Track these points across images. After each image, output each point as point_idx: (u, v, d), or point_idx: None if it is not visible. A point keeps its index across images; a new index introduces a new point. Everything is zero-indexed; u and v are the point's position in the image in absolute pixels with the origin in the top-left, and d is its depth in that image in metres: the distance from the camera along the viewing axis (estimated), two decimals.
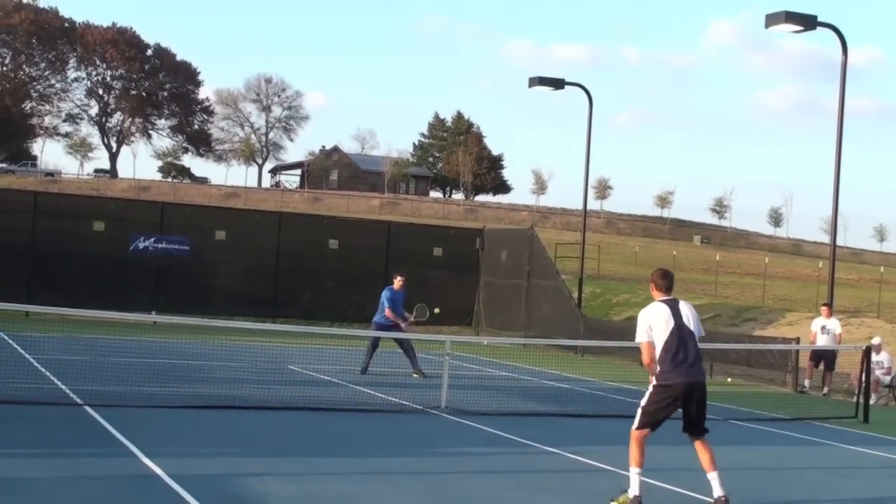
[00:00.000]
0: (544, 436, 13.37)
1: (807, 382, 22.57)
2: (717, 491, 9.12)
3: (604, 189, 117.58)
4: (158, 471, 9.55)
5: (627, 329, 30.14)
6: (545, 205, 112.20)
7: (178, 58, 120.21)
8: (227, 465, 10.13)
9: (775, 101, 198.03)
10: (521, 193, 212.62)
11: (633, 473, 9.27)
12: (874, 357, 20.02)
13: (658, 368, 9.25)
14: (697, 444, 9.41)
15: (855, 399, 18.52)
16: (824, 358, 22.26)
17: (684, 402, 9.27)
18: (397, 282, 20.39)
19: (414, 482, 10.03)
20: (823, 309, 23.37)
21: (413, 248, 33.79)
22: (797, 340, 23.51)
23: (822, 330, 22.81)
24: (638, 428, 9.38)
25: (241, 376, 18.20)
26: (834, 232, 26.22)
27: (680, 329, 9.22)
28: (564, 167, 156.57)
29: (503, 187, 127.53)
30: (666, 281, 9.55)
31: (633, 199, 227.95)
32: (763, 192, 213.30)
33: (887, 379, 21.33)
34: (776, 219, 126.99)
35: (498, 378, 21.60)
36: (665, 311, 9.31)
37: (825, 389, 22.10)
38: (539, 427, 14.36)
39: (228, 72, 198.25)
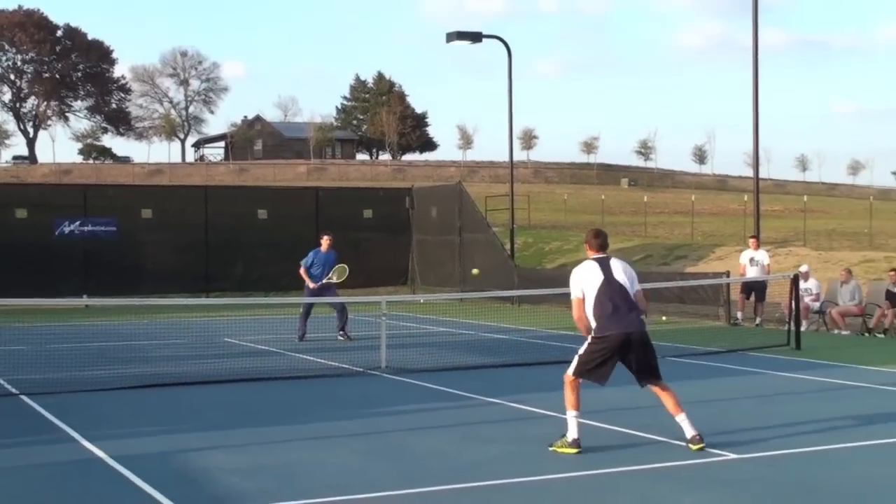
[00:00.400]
0: (485, 387, 13.47)
1: (739, 314, 22.96)
2: (690, 431, 9.30)
3: (529, 139, 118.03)
4: (100, 453, 9.46)
5: (561, 276, 30.33)
6: (472, 159, 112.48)
7: (90, 37, 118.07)
8: (170, 442, 10.07)
9: (692, 40, 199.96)
10: (447, 150, 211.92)
11: (570, 417, 9.40)
12: (803, 284, 20.41)
13: (594, 324, 9.41)
14: (657, 391, 9.54)
15: (786, 327, 18.88)
16: (754, 289, 22.64)
17: (622, 353, 9.37)
18: (324, 242, 20.12)
19: (359, 443, 10.04)
20: (751, 241, 23.75)
21: (343, 212, 33.62)
22: (727, 274, 23.88)
23: (751, 262, 23.19)
24: (572, 374, 9.51)
25: (178, 353, 18.04)
26: (756, 165, 26.61)
27: (609, 283, 9.39)
28: (489, 120, 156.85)
29: (429, 145, 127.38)
30: (598, 240, 9.75)
31: (560, 147, 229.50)
32: (687, 132, 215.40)
33: (817, 305, 21.76)
34: (700, 156, 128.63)
35: (436, 334, 21.67)
36: (595, 267, 9.53)
37: (757, 320, 22.49)
38: (479, 379, 14.46)
39: (143, 48, 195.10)
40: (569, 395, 9.47)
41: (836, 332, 20.94)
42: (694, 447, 9.24)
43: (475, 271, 11.60)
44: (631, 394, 10.52)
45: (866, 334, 20.54)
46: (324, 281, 19.68)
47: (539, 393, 13.01)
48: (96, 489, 8.26)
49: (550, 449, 9.39)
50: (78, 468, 9.01)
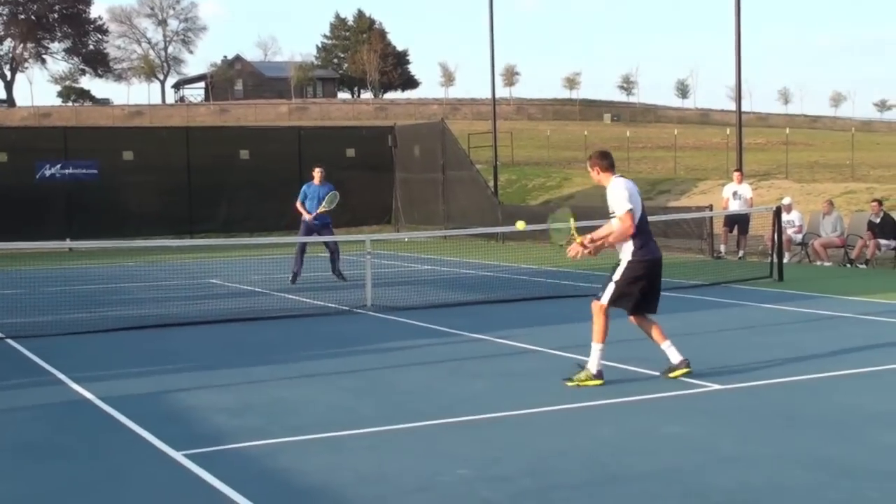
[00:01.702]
0: (471, 324, 13.54)
1: (722, 248, 23.07)
2: (677, 357, 9.46)
3: (511, 76, 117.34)
4: (89, 395, 9.50)
5: (545, 213, 30.37)
6: (455, 97, 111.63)
7: None
8: (158, 382, 10.10)
9: None
10: (429, 87, 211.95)
11: (596, 349, 9.30)
12: (785, 217, 20.49)
13: (637, 245, 9.29)
14: (642, 321, 9.58)
15: (769, 259, 18.99)
16: (737, 222, 22.72)
17: (652, 278, 9.38)
18: (316, 174, 19.66)
19: (347, 381, 10.10)
20: (736, 175, 23.76)
21: (325, 151, 33.37)
22: (710, 208, 23.96)
23: (734, 195, 23.24)
24: (609, 303, 9.32)
25: (164, 295, 18.04)
26: (738, 99, 26.57)
27: (643, 206, 9.47)
28: (471, 58, 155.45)
29: (411, 83, 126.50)
30: (610, 159, 9.69)
31: (542, 83, 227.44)
32: (669, 66, 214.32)
33: (799, 237, 21.87)
34: (683, 91, 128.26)
35: (420, 272, 21.72)
36: (634, 186, 9.48)
37: (740, 253, 22.60)
38: (465, 316, 14.52)
39: None
40: (599, 326, 9.28)
41: (818, 263, 21.07)
42: (680, 371, 9.40)
43: (520, 224, 11.15)
44: (617, 328, 10.56)
45: (848, 265, 20.67)
46: (318, 211, 19.22)
47: (524, 328, 13.11)
48: (86, 430, 8.29)
49: (570, 384, 9.33)
50: (67, 410, 9.04)
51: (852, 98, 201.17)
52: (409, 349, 11.89)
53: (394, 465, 7.04)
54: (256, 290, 18.34)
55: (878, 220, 20.49)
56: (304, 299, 16.83)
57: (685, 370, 9.40)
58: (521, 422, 8.30)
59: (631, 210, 9.21)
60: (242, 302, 16.39)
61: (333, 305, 15.86)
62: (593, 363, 9.31)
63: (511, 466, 6.95)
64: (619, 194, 9.25)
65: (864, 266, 20.38)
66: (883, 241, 20.30)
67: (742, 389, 9.28)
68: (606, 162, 9.57)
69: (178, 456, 7.32)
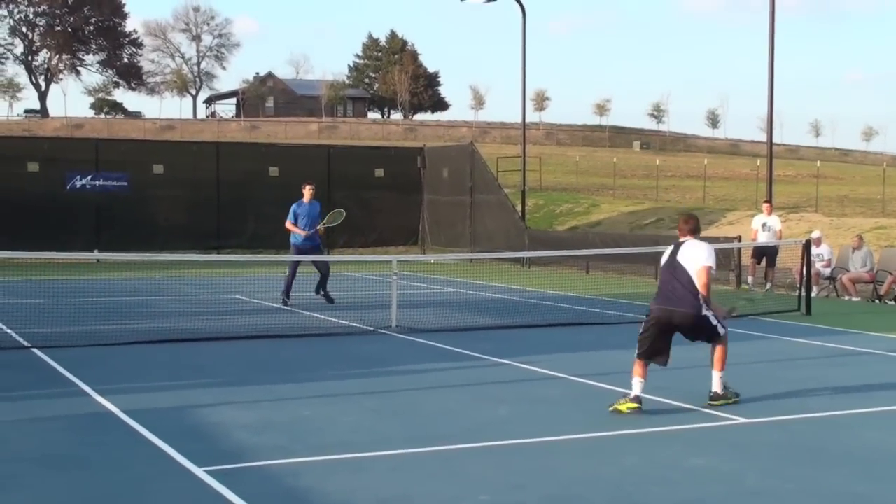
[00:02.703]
0: (495, 348, 13.50)
1: (750, 279, 22.93)
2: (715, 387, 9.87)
3: (542, 100, 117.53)
4: (112, 408, 9.52)
5: (571, 239, 30.46)
6: (484, 120, 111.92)
7: None
8: (182, 397, 10.12)
9: (705, 1, 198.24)
10: (459, 110, 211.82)
11: (636, 382, 9.56)
12: (814, 250, 20.37)
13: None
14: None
15: (797, 293, 18.86)
16: (766, 254, 22.58)
17: (669, 328, 9.70)
18: (307, 191, 19.03)
19: (370, 401, 10.09)
20: (765, 206, 23.63)
21: (354, 170, 33.64)
22: (739, 239, 23.83)
23: (763, 227, 23.11)
24: (636, 356, 9.69)
25: (189, 309, 18.10)
26: (770, 129, 26.45)
27: (671, 265, 9.83)
28: (501, 81, 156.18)
29: (441, 104, 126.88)
30: (687, 225, 10.08)
31: (572, 109, 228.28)
32: (699, 95, 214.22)
33: (827, 271, 21.72)
34: (713, 120, 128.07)
35: (446, 294, 21.70)
36: (668, 250, 10.04)
37: (768, 285, 22.46)
38: (489, 340, 14.49)
39: (155, 2, 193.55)
40: (635, 369, 9.63)
41: (846, 298, 20.91)
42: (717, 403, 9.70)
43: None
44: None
45: (877, 301, 20.51)
46: (318, 228, 18.93)
47: (548, 354, 13.06)
48: (109, 443, 8.31)
49: (610, 409, 9.43)
50: (91, 422, 9.07)
51: (884, 132, 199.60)
52: (433, 371, 11.86)
53: (415, 489, 7.02)
54: (281, 307, 18.35)
55: None
56: (329, 318, 16.84)
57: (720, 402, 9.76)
58: (545, 449, 8.26)
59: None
60: (267, 319, 16.44)
61: (358, 325, 15.86)
62: (634, 390, 9.59)
63: (533, 494, 6.91)
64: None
65: (892, 302, 20.21)
66: None
67: (768, 423, 9.20)
68: (685, 226, 10.11)
69: (199, 472, 7.32)
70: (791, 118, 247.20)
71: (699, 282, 9.64)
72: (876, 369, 12.53)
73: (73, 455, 7.92)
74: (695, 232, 10.07)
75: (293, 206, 19.05)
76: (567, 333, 15.62)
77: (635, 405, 9.35)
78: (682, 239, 10.02)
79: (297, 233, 18.80)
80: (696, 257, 9.72)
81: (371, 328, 15.47)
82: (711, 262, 9.72)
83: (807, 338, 15.00)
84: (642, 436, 8.69)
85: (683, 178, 54.63)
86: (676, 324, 9.68)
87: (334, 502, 6.70)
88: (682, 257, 9.76)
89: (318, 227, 18.95)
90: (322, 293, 18.82)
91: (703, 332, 9.77)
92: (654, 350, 9.64)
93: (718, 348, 9.83)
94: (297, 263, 18.68)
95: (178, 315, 17.08)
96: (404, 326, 15.38)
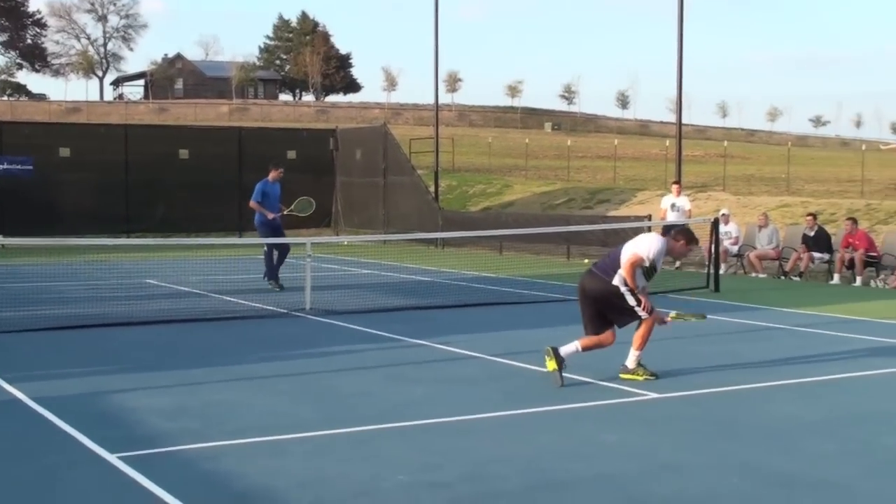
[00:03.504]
0: (411, 329, 13.50)
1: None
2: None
3: (454, 82, 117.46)
4: (20, 395, 9.31)
5: (484, 220, 30.62)
6: (397, 101, 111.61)
7: None
8: (92, 383, 9.93)
9: None
10: (371, 91, 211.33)
11: (573, 343, 9.90)
12: (722, 228, 20.72)
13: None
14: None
15: (706, 270, 19.18)
16: None
17: (586, 298, 10.02)
18: (272, 174, 18.77)
19: (286, 384, 10.02)
20: (674, 187, 23.97)
21: (266, 152, 32.96)
22: (649, 218, 24.13)
23: (672, 207, 23.45)
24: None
25: (99, 294, 17.75)
26: (679, 110, 26.81)
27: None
28: (414, 63, 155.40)
29: (353, 86, 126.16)
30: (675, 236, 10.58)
31: (484, 90, 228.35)
32: (610, 77, 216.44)
33: (735, 249, 22.13)
34: (623, 101, 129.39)
35: (360, 276, 21.64)
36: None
37: (677, 263, 22.78)
38: (405, 321, 14.48)
39: None
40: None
41: (753, 275, 21.34)
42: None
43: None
44: (556, 335, 10.59)
45: (782, 277, 20.96)
46: (284, 211, 18.74)
47: (463, 334, 13.10)
48: (16, 432, 8.13)
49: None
50: None
51: (788, 113, 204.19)
52: (348, 353, 11.82)
53: (334, 470, 6.99)
54: (193, 290, 18.15)
55: (812, 234, 20.80)
56: (242, 301, 16.69)
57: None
58: (461, 428, 8.29)
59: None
60: (179, 303, 16.22)
61: (272, 308, 15.72)
62: (564, 347, 9.86)
63: (450, 472, 6.93)
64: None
65: (797, 278, 20.68)
66: (816, 255, 20.61)
67: (679, 398, 9.35)
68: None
69: (112, 458, 7.19)
70: (699, 99, 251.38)
71: (624, 262, 9.77)
72: (782, 343, 12.82)
73: None
74: (667, 232, 10.64)
75: (259, 185, 18.51)
76: (481, 313, 15.68)
77: (553, 366, 9.69)
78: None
79: (265, 213, 18.33)
80: (637, 244, 9.93)
81: (285, 311, 15.35)
82: (646, 253, 9.80)
83: (716, 314, 15.23)
84: (557, 413, 8.76)
85: (594, 159, 55.13)
86: (590, 295, 9.94)
87: (253, 486, 6.64)
88: (631, 241, 10.05)
89: (283, 211, 18.64)
90: (272, 280, 18.34)
91: (621, 312, 9.88)
92: (583, 320, 10.01)
93: (642, 327, 10.01)
94: (270, 244, 18.19)
95: (88, 300, 16.73)
96: (319, 309, 15.30)
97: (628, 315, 9.91)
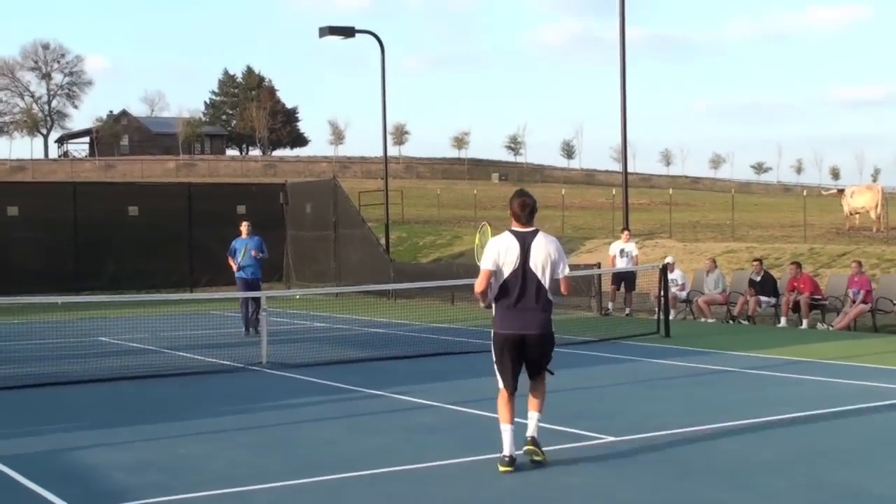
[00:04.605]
0: (367, 380, 13.63)
1: (610, 304, 23.60)
2: (531, 431, 8.53)
3: (401, 134, 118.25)
4: None
5: (436, 270, 30.81)
6: (344, 154, 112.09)
7: None
8: (54, 441, 9.96)
9: (556, 36, 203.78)
10: (319, 145, 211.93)
11: (503, 431, 8.43)
12: (670, 275, 21.09)
13: (495, 313, 8.59)
14: (531, 383, 8.74)
15: (656, 316, 19.51)
16: (624, 279, 23.30)
17: (519, 351, 8.50)
18: (243, 228, 20.62)
19: (246, 437, 10.11)
20: (624, 234, 24.32)
21: (215, 208, 33.22)
22: (598, 265, 24.50)
23: (621, 253, 23.85)
24: (503, 387, 8.58)
25: (53, 353, 17.66)
26: (624, 159, 27.29)
27: (523, 272, 8.37)
28: (360, 116, 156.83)
29: (300, 140, 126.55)
30: (524, 211, 8.51)
31: (431, 142, 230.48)
32: (555, 127, 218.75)
33: (683, 294, 22.51)
34: (569, 151, 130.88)
35: (314, 329, 21.72)
36: (515, 247, 8.42)
37: (627, 310, 23.14)
38: (361, 372, 14.61)
39: (2, 40, 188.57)
40: (500, 409, 8.56)
41: (702, 319, 21.70)
42: (527, 447, 8.46)
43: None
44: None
45: (731, 321, 21.34)
46: (248, 256, 20.06)
47: (420, 384, 13.26)
48: None
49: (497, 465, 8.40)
50: None
51: (731, 160, 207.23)
52: (307, 405, 11.93)
53: None
54: (147, 347, 18.14)
55: (758, 279, 21.23)
56: (197, 356, 16.71)
57: (532, 447, 8.50)
58: (423, 474, 8.43)
59: (488, 270, 8.47)
60: (134, 359, 16.21)
61: (228, 363, 15.78)
62: (504, 446, 8.42)
63: None
64: (486, 251, 8.61)
65: (745, 322, 21.07)
66: (763, 298, 21.03)
67: (635, 441, 9.55)
68: (521, 212, 8.58)
69: None
70: (643, 147, 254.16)
71: (563, 288, 8.63)
72: (732, 385, 13.11)
73: None
74: (532, 218, 8.62)
75: (233, 242, 20.51)
76: (436, 363, 15.85)
77: (506, 468, 8.35)
78: (525, 229, 8.56)
79: (233, 267, 20.16)
80: (555, 259, 8.51)
81: (241, 365, 15.41)
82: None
83: (668, 359, 15.55)
84: (518, 459, 8.92)
85: (542, 209, 55.05)
86: (532, 348, 8.59)
87: None
88: (534, 264, 8.42)
89: (253, 254, 20.07)
90: (252, 329, 19.39)
91: (546, 350, 8.66)
92: (510, 374, 8.61)
93: (540, 386, 8.80)
94: (245, 298, 19.73)
95: (42, 359, 16.68)
96: (275, 362, 15.38)
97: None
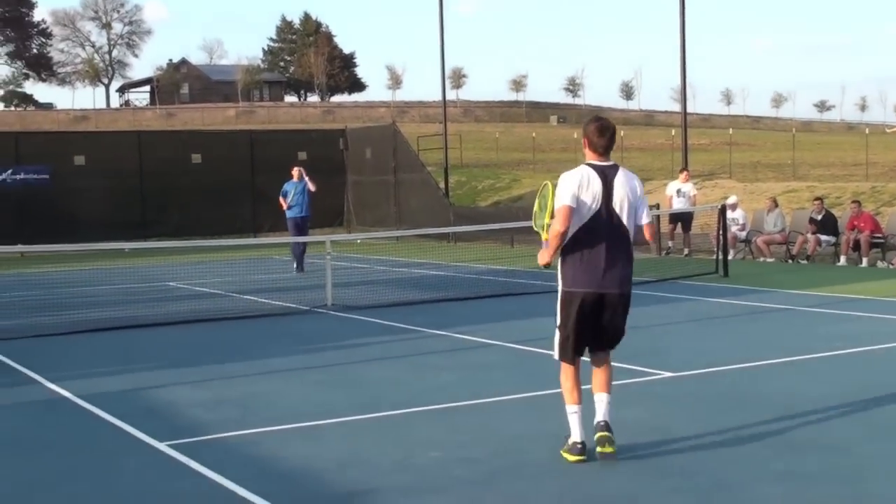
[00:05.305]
0: (430, 320, 13.99)
1: (670, 244, 23.72)
2: (601, 415, 7.14)
3: (459, 78, 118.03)
4: (66, 393, 9.80)
5: (495, 214, 31.04)
6: (402, 99, 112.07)
7: None
8: (132, 380, 10.42)
9: None
10: (377, 90, 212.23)
11: (569, 411, 7.18)
12: (730, 215, 21.15)
13: (563, 265, 7.13)
14: (595, 359, 7.34)
15: (715, 256, 19.64)
16: (681, 220, 23.38)
17: (595, 314, 7.13)
18: (294, 172, 22.15)
19: (315, 375, 10.50)
20: (683, 174, 24.35)
21: (277, 154, 33.60)
22: (657, 206, 24.57)
23: (678, 193, 23.91)
24: (561, 359, 7.27)
25: (125, 298, 18.28)
26: (684, 100, 27.25)
27: (607, 214, 7.02)
28: (417, 60, 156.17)
29: (358, 86, 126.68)
30: (603, 137, 7.15)
31: (488, 86, 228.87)
32: (613, 69, 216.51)
33: (743, 234, 22.56)
34: (628, 92, 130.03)
35: (376, 272, 22.12)
36: (596, 181, 7.01)
37: (686, 250, 23.25)
38: (422, 314, 14.96)
39: None
40: (563, 384, 7.28)
41: (761, 259, 21.77)
42: (600, 434, 7.07)
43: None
44: None
45: (790, 261, 21.39)
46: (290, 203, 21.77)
47: (481, 324, 13.58)
48: (70, 425, 8.64)
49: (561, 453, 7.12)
50: (47, 407, 9.35)
51: (793, 99, 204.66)
52: (371, 345, 12.30)
53: (370, 451, 7.47)
54: (215, 291, 18.64)
55: (819, 217, 21.22)
56: (265, 300, 17.17)
57: (604, 433, 7.04)
58: (487, 409, 8.76)
59: (569, 206, 6.96)
60: (203, 303, 16.71)
61: (294, 305, 16.22)
62: (572, 432, 7.12)
63: (481, 449, 7.41)
64: (561, 187, 7.11)
65: (804, 261, 21.10)
66: (823, 237, 21.04)
67: (693, 376, 9.81)
68: (600, 140, 7.19)
69: (162, 446, 7.69)
70: (703, 88, 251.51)
71: (642, 235, 7.45)
72: (790, 323, 13.28)
73: (37, 438, 8.23)
74: (610, 151, 7.26)
75: (285, 185, 22.14)
76: (495, 304, 16.16)
77: (577, 457, 7.03)
78: (605, 162, 7.19)
79: (283, 205, 21.86)
80: (637, 201, 7.23)
81: (307, 308, 15.84)
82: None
83: (726, 297, 15.72)
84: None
85: None
86: (610, 310, 7.27)
87: (294, 467, 7.12)
88: (619, 205, 7.07)
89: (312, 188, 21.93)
90: (302, 268, 21.42)
91: (620, 319, 7.39)
92: (580, 339, 7.26)
93: (607, 363, 7.48)
94: (296, 238, 21.56)
95: (115, 304, 17.27)
96: (339, 304, 15.79)
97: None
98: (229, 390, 9.81)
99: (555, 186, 7.20)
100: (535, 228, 7.41)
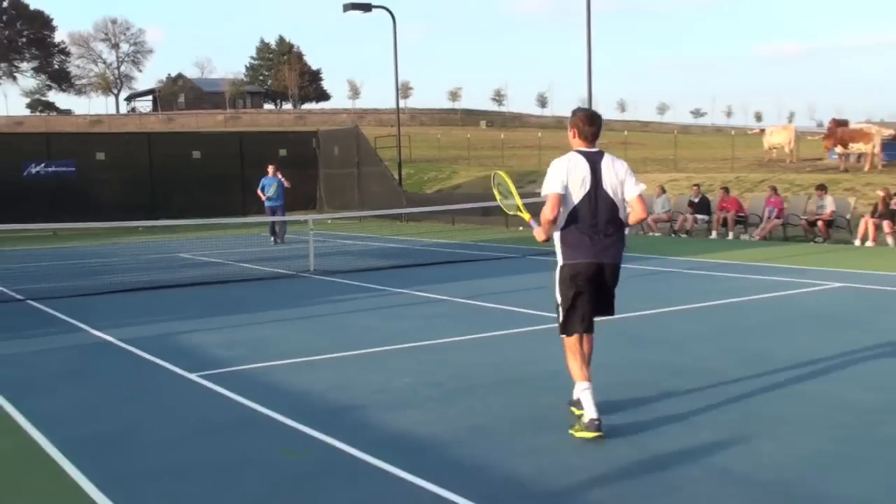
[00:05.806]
0: (393, 281, 14.28)
1: None
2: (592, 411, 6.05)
3: (407, 90, 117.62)
4: (109, 338, 9.99)
5: (438, 198, 31.30)
6: (360, 107, 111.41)
7: (32, 7, 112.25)
8: (161, 328, 10.61)
9: (532, 4, 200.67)
10: (339, 99, 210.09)
11: (580, 390, 6.18)
12: None
13: (560, 243, 6.29)
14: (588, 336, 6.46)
15: None
16: None
17: (596, 284, 6.31)
18: (270, 169, 22.78)
19: (306, 324, 10.77)
20: None
21: (262, 152, 33.61)
22: None
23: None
24: (567, 333, 6.34)
25: (145, 266, 18.31)
26: (590, 106, 27.62)
27: (596, 195, 6.17)
28: (372, 75, 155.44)
29: (324, 96, 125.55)
30: (592, 127, 6.35)
31: (431, 96, 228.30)
32: (531, 81, 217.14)
33: None
34: (543, 101, 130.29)
35: (346, 245, 22.31)
36: (584, 166, 6.20)
37: None
38: (387, 276, 15.23)
39: (79, 16, 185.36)
40: (571, 363, 6.31)
41: (651, 234, 22.31)
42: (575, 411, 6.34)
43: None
44: (506, 283, 11.33)
45: (673, 235, 21.95)
46: (270, 194, 22.52)
47: (433, 284, 13.87)
48: (114, 360, 8.85)
49: (570, 433, 6.06)
50: (94, 348, 9.54)
51: (674, 107, 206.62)
52: (349, 300, 12.56)
53: (355, 379, 7.79)
54: (218, 260, 18.73)
55: (696, 200, 21.80)
56: (260, 267, 17.33)
57: (592, 434, 5.93)
58: (443, 347, 9.11)
59: (558, 193, 6.15)
60: (211, 270, 16.83)
61: (284, 271, 16.41)
62: (586, 409, 6.08)
63: (442, 375, 7.77)
64: (550, 174, 6.30)
65: (685, 235, 21.68)
66: (699, 216, 21.63)
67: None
68: (588, 129, 6.38)
69: (193, 377, 7.95)
70: (603, 97, 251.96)
71: (636, 211, 6.32)
72: (675, 282, 13.77)
73: (87, 370, 8.44)
74: (597, 139, 6.38)
75: (262, 179, 22.87)
76: (444, 269, 16.47)
77: (595, 433, 5.99)
78: (591, 149, 6.34)
79: (261, 197, 22.72)
80: (626, 180, 6.31)
81: (293, 272, 16.03)
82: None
83: (626, 263, 16.14)
84: (513, 335, 9.62)
85: (522, 149, 55.86)
86: (606, 280, 6.41)
87: (299, 390, 7.42)
88: (608, 185, 6.22)
89: (286, 185, 22.78)
90: (278, 240, 22.38)
91: (610, 290, 6.54)
92: (581, 314, 6.46)
93: (589, 338, 6.60)
94: (272, 220, 22.30)
95: (138, 270, 17.31)
96: (320, 270, 16.01)
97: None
98: (239, 335, 10.05)
99: (506, 174, 7.40)
100: (512, 213, 6.95)
